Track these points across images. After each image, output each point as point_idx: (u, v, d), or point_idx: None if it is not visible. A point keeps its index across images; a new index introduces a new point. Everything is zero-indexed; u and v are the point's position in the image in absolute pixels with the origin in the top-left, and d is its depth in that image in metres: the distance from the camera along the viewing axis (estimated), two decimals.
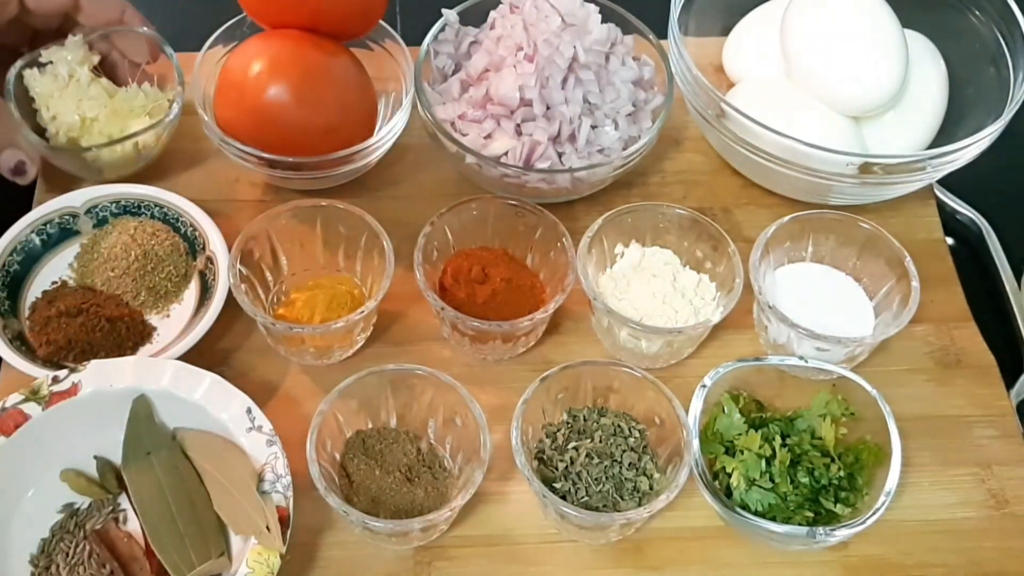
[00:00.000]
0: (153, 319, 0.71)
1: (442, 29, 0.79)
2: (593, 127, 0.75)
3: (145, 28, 0.74)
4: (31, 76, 0.73)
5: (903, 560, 0.64)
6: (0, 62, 0.73)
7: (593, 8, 0.77)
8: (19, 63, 0.72)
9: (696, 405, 0.63)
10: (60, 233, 0.73)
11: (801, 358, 0.67)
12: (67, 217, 0.73)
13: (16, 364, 0.65)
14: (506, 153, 0.73)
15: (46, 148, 0.72)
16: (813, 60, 0.75)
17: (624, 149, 0.75)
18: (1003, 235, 0.84)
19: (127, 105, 0.74)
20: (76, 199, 0.73)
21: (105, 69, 0.76)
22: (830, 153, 0.70)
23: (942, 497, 0.66)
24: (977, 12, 0.80)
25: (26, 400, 0.60)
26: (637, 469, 0.62)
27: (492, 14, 0.79)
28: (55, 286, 0.72)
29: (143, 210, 0.74)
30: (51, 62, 0.73)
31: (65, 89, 0.72)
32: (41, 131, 0.74)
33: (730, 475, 0.62)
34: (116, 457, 0.62)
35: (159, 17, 0.78)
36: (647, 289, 0.70)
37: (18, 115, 0.71)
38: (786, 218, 0.71)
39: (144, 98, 0.75)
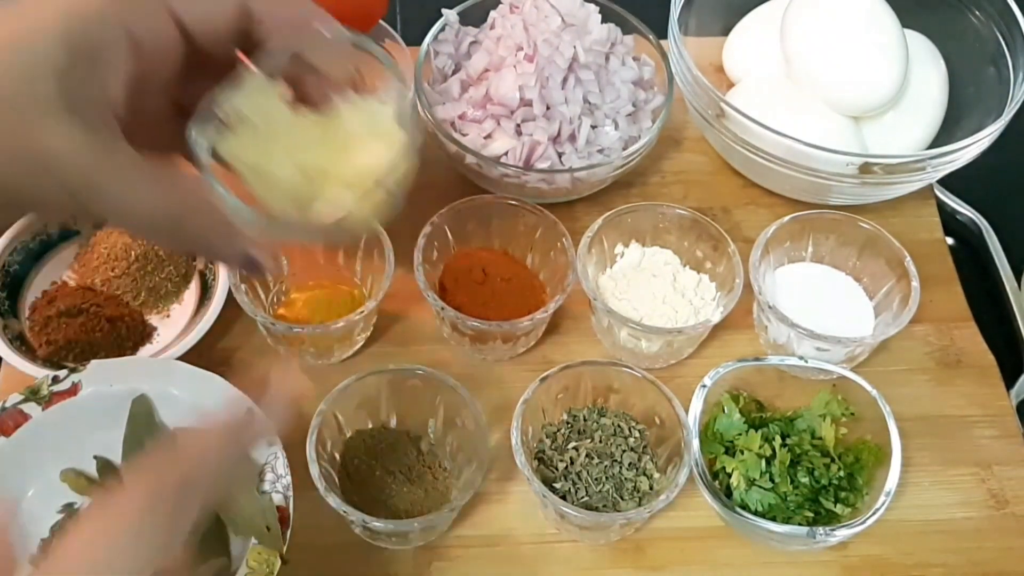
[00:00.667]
0: (153, 319, 0.71)
1: (442, 29, 0.79)
2: (593, 127, 0.75)
3: (343, 30, 0.53)
4: (217, 136, 0.53)
5: (903, 560, 0.64)
6: (173, 129, 0.54)
7: (593, 8, 0.77)
8: (195, 124, 0.50)
9: (696, 405, 0.63)
10: (60, 233, 0.73)
11: (801, 358, 0.67)
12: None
13: (16, 364, 0.65)
14: (506, 153, 0.73)
15: (269, 224, 0.51)
16: (813, 60, 0.75)
17: (624, 149, 0.75)
18: (1003, 235, 0.84)
19: (346, 132, 0.53)
20: None
21: (297, 95, 0.54)
22: (830, 153, 0.70)
23: (942, 497, 0.66)
24: (977, 12, 0.80)
25: (26, 400, 0.60)
26: (637, 469, 0.62)
27: (492, 14, 0.79)
28: (55, 286, 0.72)
29: None
30: (233, 110, 0.52)
31: (267, 140, 0.51)
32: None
33: (730, 475, 0.62)
34: (116, 457, 0.62)
35: None
36: (647, 289, 0.70)
37: (221, 189, 0.49)
38: (786, 218, 0.71)
39: (360, 114, 0.53)
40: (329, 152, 0.51)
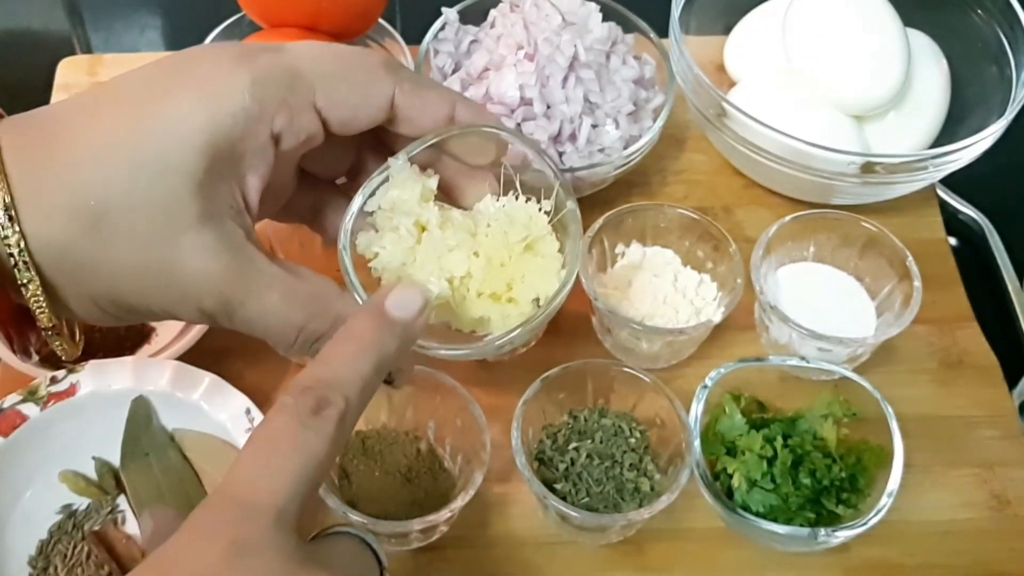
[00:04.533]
0: None
1: (442, 28, 0.79)
2: (594, 126, 0.75)
3: (485, 123, 0.49)
4: (366, 241, 0.47)
5: (905, 561, 0.63)
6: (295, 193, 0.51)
7: (594, 7, 0.77)
8: (348, 222, 0.46)
9: (697, 406, 0.63)
10: None
11: (803, 358, 0.67)
12: None
13: (14, 364, 0.64)
14: None
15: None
16: (815, 59, 0.75)
17: (625, 148, 0.75)
18: (1006, 235, 0.84)
19: (499, 239, 0.47)
20: None
21: (444, 188, 0.50)
22: (832, 153, 0.70)
23: (944, 498, 0.66)
24: (979, 11, 0.80)
25: (24, 400, 0.60)
26: (638, 470, 0.62)
27: (492, 13, 0.79)
28: None
29: None
30: (379, 209, 0.47)
31: (416, 247, 0.47)
32: None
33: (731, 476, 0.62)
34: (115, 458, 0.62)
35: (159, 16, 0.77)
36: (648, 289, 0.70)
37: (362, 290, 0.46)
38: (788, 218, 0.71)
39: (515, 219, 0.48)
40: (482, 261, 0.46)
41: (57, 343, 0.43)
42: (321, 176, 0.51)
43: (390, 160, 0.46)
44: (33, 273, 0.39)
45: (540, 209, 0.48)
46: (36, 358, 0.45)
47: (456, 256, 0.46)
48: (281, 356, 0.69)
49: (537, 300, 0.46)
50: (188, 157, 0.40)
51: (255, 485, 0.37)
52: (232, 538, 0.35)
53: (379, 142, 0.49)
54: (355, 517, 0.57)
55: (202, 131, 0.40)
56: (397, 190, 0.46)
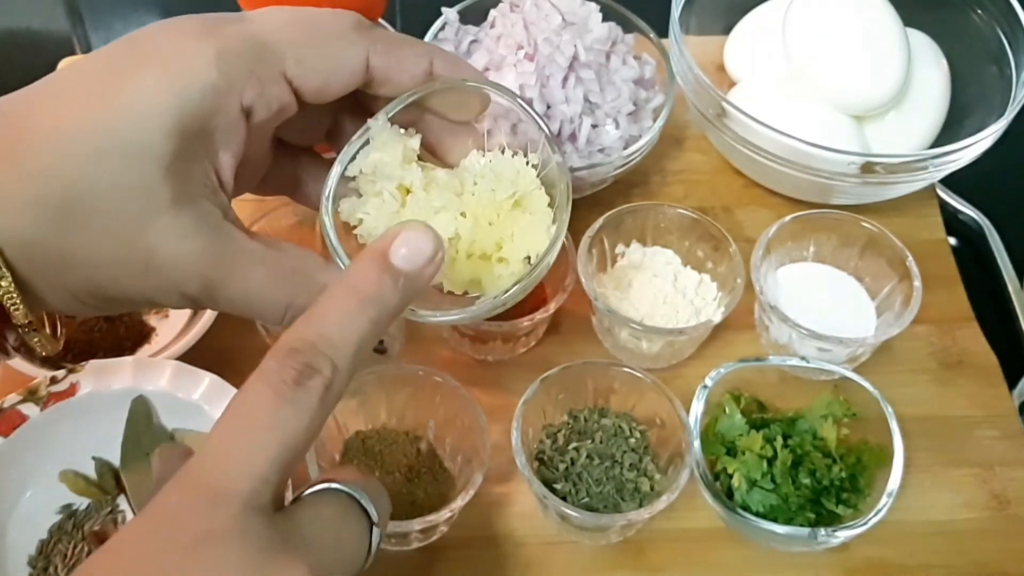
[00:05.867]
0: (152, 319, 0.71)
1: (442, 28, 0.79)
2: (594, 126, 0.74)
3: (467, 77, 0.47)
4: (349, 208, 0.46)
5: (905, 561, 0.63)
6: (272, 164, 0.49)
7: (594, 7, 0.77)
8: (329, 188, 0.45)
9: (697, 406, 0.63)
10: None
11: (803, 358, 0.67)
12: None
13: (14, 364, 0.64)
14: None
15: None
16: (815, 59, 0.75)
17: (625, 148, 0.74)
18: (1005, 235, 0.83)
19: (485, 197, 0.46)
20: None
21: (426, 146, 0.49)
22: (832, 152, 0.70)
23: (944, 498, 0.66)
24: (979, 11, 0.80)
25: (24, 400, 0.60)
26: (638, 470, 0.62)
27: (492, 13, 0.79)
28: None
29: None
30: (360, 173, 0.46)
31: (401, 210, 0.46)
32: None
33: (731, 476, 0.62)
34: (115, 458, 0.62)
35: (159, 16, 0.77)
36: (648, 289, 0.70)
37: (347, 258, 0.44)
38: (788, 218, 0.71)
39: (502, 174, 0.46)
40: (469, 222, 0.45)
41: (36, 339, 0.41)
42: (299, 144, 0.49)
43: (369, 121, 0.45)
44: (4, 270, 0.38)
45: (527, 163, 0.46)
46: (15, 356, 0.44)
47: (443, 218, 0.44)
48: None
49: (528, 258, 0.45)
50: (156, 139, 0.38)
51: (224, 468, 0.35)
52: (196, 527, 0.34)
53: (356, 103, 0.47)
54: None
55: (169, 111, 0.38)
56: (378, 152, 0.45)
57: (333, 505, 0.39)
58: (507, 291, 0.44)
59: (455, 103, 0.47)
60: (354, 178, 0.45)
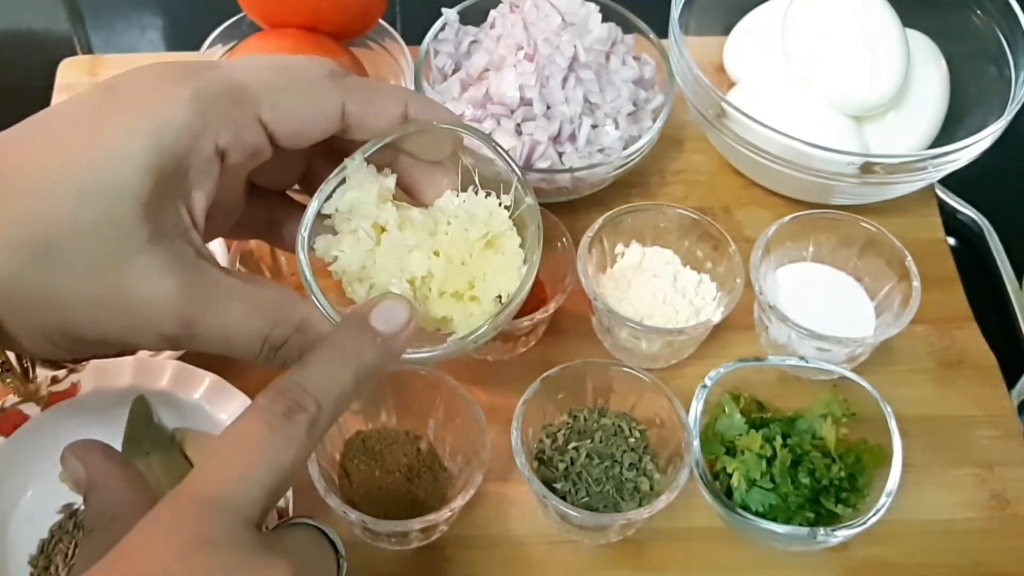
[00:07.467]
0: None
1: (442, 28, 0.79)
2: (593, 126, 0.75)
3: (440, 119, 0.47)
4: (324, 246, 0.46)
5: (904, 561, 0.63)
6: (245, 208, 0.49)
7: (593, 7, 0.77)
8: (305, 226, 0.45)
9: (697, 405, 0.63)
10: None
11: (802, 358, 0.67)
12: None
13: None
14: None
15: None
16: (814, 59, 0.75)
17: (625, 149, 0.75)
18: (1004, 235, 0.84)
19: (458, 237, 0.46)
20: None
21: (402, 185, 0.49)
22: (831, 153, 0.70)
23: (943, 498, 0.66)
24: (979, 11, 0.80)
25: (25, 400, 0.60)
26: (638, 470, 0.62)
27: (492, 13, 0.79)
28: None
29: None
30: (336, 212, 0.46)
31: (376, 248, 0.46)
32: None
33: (731, 476, 0.62)
34: None
35: (159, 16, 0.77)
36: (647, 289, 0.70)
37: (325, 308, 0.44)
38: (787, 218, 0.71)
39: (474, 215, 0.47)
40: (443, 260, 0.46)
41: (8, 380, 0.42)
42: (272, 188, 0.50)
43: (346, 161, 0.46)
44: None
45: (500, 204, 0.47)
46: None
47: (416, 256, 0.45)
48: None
49: (500, 297, 0.46)
50: (133, 179, 0.38)
51: (219, 486, 0.37)
52: (191, 533, 0.35)
53: (330, 148, 0.47)
54: (355, 517, 0.57)
55: (144, 150, 0.39)
56: (354, 191, 0.45)
57: (307, 534, 0.42)
58: (477, 330, 0.45)
59: (428, 144, 0.48)
60: (330, 216, 0.46)
